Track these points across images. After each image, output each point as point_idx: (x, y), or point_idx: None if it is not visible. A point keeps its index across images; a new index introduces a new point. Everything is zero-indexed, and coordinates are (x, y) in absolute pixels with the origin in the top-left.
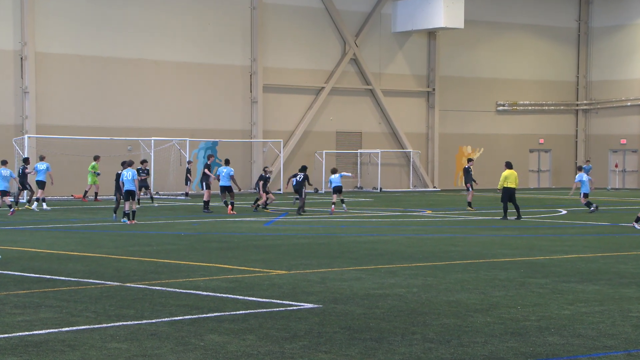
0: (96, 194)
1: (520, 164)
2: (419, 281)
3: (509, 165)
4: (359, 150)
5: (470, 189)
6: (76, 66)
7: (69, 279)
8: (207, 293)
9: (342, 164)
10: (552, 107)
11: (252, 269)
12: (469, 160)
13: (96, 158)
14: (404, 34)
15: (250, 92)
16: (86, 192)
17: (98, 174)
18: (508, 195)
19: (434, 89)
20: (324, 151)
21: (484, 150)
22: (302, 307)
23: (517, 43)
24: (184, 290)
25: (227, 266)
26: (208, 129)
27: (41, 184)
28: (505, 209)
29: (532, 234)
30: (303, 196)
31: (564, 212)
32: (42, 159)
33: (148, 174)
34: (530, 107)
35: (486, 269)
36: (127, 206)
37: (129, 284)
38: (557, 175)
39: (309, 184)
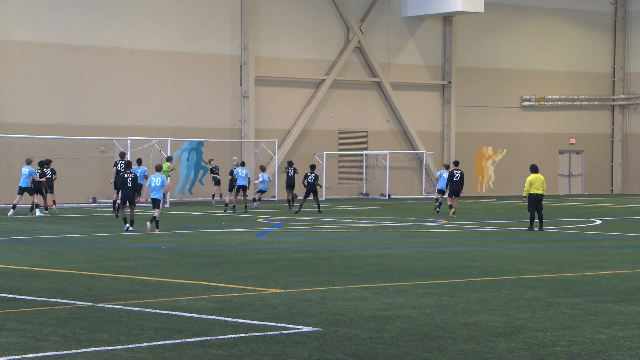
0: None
1: (548, 168)
2: (433, 301)
3: (534, 169)
4: (364, 152)
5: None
6: (41, 56)
7: (34, 298)
8: (191, 314)
9: (345, 167)
10: (585, 103)
11: (242, 287)
12: (456, 163)
13: (169, 159)
14: (415, 19)
15: (241, 85)
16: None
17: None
18: (535, 202)
19: (450, 82)
20: (325, 153)
21: (506, 152)
22: (299, 330)
23: (545, 29)
24: (165, 312)
25: (214, 284)
26: (192, 127)
27: (29, 190)
28: (532, 219)
29: (562, 247)
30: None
31: (599, 222)
32: (28, 162)
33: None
34: (559, 103)
35: (509, 287)
36: (156, 213)
37: (102, 304)
38: (591, 180)
39: (319, 185)
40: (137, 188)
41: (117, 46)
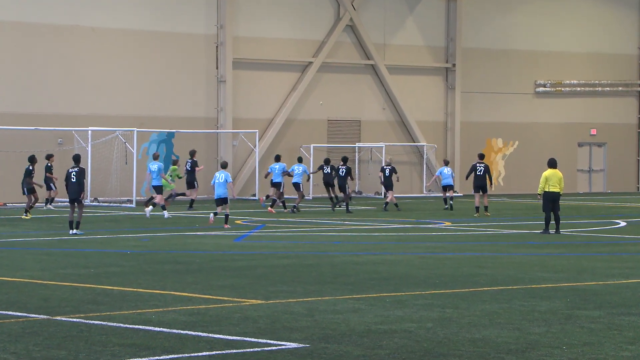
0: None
1: (566, 162)
2: (435, 313)
3: (552, 164)
4: (357, 144)
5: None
6: None
7: None
8: (161, 329)
9: (336, 162)
10: (608, 89)
11: (218, 297)
12: (481, 156)
13: (174, 162)
14: None
15: (217, 68)
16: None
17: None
18: (551, 201)
19: (454, 65)
20: (312, 145)
21: (518, 144)
22: (283, 346)
23: (563, 6)
24: (131, 326)
25: (187, 294)
26: (161, 116)
27: (157, 189)
28: (548, 220)
29: (581, 252)
30: (347, 192)
31: (623, 224)
32: (156, 157)
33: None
34: (579, 89)
35: (522, 298)
36: (224, 210)
37: (60, 317)
38: (614, 176)
39: (351, 178)
40: (82, 184)
41: (76, 24)
